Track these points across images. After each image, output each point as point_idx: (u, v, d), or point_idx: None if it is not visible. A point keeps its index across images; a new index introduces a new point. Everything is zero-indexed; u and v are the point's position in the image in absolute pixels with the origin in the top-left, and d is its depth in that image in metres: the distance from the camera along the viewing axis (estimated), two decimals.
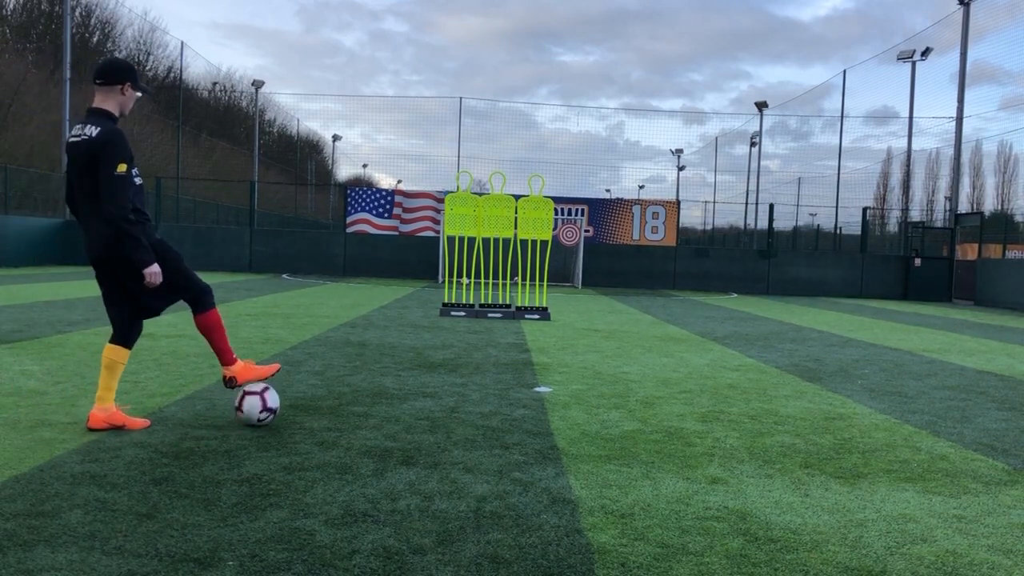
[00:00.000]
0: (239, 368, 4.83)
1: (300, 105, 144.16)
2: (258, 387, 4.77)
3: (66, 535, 2.99)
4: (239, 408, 4.74)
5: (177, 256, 4.69)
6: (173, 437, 4.44)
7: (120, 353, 4.63)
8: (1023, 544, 3.30)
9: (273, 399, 4.78)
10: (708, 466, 4.30)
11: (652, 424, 5.27)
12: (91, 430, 4.48)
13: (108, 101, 4.53)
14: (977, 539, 3.34)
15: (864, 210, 27.81)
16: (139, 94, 4.66)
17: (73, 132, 4.51)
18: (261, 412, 4.72)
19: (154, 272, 4.47)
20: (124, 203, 4.35)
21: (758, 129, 39.66)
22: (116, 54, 42.98)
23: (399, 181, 47.41)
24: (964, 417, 5.94)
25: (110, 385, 4.58)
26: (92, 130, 4.40)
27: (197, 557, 2.83)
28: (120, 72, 4.57)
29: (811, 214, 40.72)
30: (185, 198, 35.68)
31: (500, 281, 14.41)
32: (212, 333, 4.77)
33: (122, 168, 4.35)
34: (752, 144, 42.24)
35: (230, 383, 4.81)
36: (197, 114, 47.16)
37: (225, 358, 4.82)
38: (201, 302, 4.74)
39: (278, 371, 5.01)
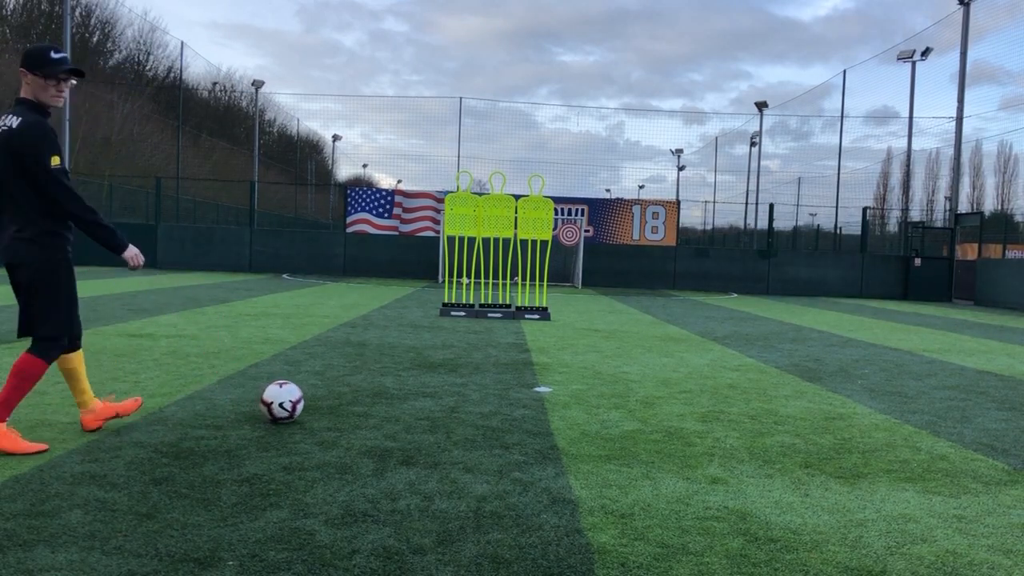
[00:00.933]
0: (2, 431, 4.05)
1: (300, 105, 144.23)
2: (300, 390, 4.97)
3: (66, 535, 2.99)
4: (282, 383, 4.89)
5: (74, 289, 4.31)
6: (173, 437, 4.44)
7: (68, 360, 4.39)
8: (1023, 544, 3.30)
9: (299, 411, 4.90)
10: (708, 466, 4.30)
11: (652, 424, 5.27)
12: (89, 431, 4.48)
13: (25, 89, 4.15)
14: (977, 539, 3.34)
15: (864, 210, 27.79)
16: (46, 80, 4.07)
17: None
18: (289, 404, 4.82)
19: (133, 255, 4.33)
20: (77, 197, 4.09)
21: (758, 129, 39.68)
22: (116, 54, 43.03)
23: (399, 181, 47.45)
24: (964, 417, 5.94)
25: (81, 388, 4.43)
26: (13, 120, 4.03)
27: (197, 557, 2.83)
28: (22, 60, 4.12)
29: (811, 214, 40.74)
30: (185, 198, 35.68)
31: (500, 281, 14.41)
32: (21, 381, 4.14)
33: (56, 161, 4.01)
34: (752, 144, 42.25)
35: None
36: (197, 114, 47.15)
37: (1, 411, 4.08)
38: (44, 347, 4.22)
39: (36, 452, 4.05)
